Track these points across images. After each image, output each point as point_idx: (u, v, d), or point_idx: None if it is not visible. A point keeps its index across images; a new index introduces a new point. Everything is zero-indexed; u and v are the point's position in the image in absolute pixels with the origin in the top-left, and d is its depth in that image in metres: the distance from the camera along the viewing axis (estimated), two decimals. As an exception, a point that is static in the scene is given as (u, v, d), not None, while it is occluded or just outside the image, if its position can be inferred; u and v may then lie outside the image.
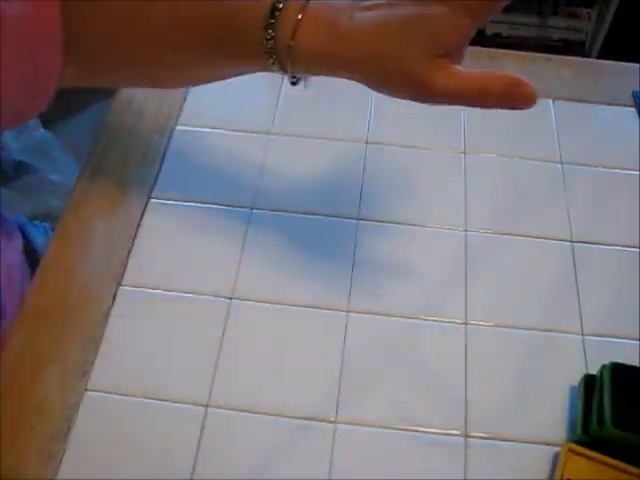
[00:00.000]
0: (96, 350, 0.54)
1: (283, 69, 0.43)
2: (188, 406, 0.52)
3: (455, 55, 0.42)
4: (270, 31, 0.40)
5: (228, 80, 0.55)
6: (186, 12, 0.42)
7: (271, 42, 0.41)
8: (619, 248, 0.63)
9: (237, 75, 0.46)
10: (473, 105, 0.41)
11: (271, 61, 0.42)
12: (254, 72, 0.45)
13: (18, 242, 0.66)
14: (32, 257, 0.67)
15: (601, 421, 0.47)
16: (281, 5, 0.40)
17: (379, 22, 0.40)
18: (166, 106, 0.72)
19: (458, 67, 0.41)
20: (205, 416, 0.51)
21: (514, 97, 0.40)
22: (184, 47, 0.44)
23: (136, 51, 0.44)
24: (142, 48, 0.44)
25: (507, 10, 1.83)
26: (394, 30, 0.40)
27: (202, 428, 0.51)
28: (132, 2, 0.42)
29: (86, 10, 0.42)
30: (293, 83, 0.44)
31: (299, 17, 0.40)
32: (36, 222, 0.76)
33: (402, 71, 0.40)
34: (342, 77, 0.43)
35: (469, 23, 0.41)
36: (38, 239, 0.71)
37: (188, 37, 0.43)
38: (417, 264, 0.61)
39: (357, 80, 0.43)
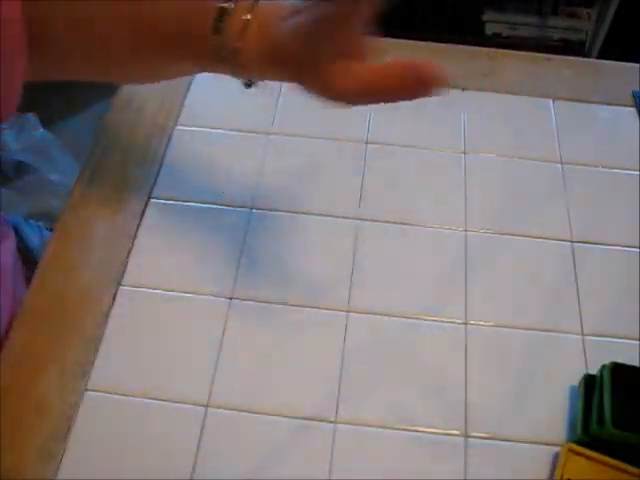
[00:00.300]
0: (96, 350, 0.54)
1: (233, 72, 0.43)
2: (188, 406, 0.52)
3: (358, 53, 0.42)
4: (218, 34, 0.40)
5: (228, 80, 0.55)
6: (139, 16, 0.42)
7: (220, 44, 0.41)
8: (619, 248, 0.63)
9: (194, 73, 0.45)
10: (379, 101, 0.41)
11: (221, 64, 0.42)
12: (211, 72, 0.45)
13: (11, 242, 0.66)
14: (26, 256, 0.67)
15: (601, 421, 0.47)
16: (233, 6, 0.40)
17: (296, 27, 0.40)
18: (166, 106, 0.72)
19: (360, 65, 0.42)
20: (205, 416, 0.51)
21: (411, 84, 0.40)
22: (140, 48, 0.44)
23: (97, 51, 0.44)
24: (103, 49, 0.44)
25: (507, 10, 1.84)
26: (303, 35, 0.40)
27: (202, 428, 0.51)
28: (93, 2, 0.42)
29: (49, 9, 0.42)
30: (247, 85, 0.43)
31: (248, 17, 0.40)
32: (30, 221, 0.76)
33: (310, 74, 0.41)
34: (281, 80, 0.44)
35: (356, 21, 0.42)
36: (32, 238, 0.71)
37: (145, 40, 0.43)
38: (417, 264, 0.61)
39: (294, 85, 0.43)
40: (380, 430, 0.51)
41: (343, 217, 0.64)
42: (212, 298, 0.58)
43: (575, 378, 0.53)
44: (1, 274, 0.61)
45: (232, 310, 0.57)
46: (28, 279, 0.60)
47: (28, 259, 0.67)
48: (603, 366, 0.51)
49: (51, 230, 0.64)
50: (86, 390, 0.52)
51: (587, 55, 1.80)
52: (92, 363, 0.54)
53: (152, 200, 0.64)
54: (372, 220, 0.64)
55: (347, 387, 0.53)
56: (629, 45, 1.65)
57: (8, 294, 0.61)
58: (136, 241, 0.61)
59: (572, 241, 0.63)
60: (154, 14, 0.42)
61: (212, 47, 0.41)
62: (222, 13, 0.40)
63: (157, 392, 0.52)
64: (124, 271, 0.59)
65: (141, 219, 0.63)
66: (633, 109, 0.75)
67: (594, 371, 0.52)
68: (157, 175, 0.66)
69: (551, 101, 0.75)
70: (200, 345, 0.55)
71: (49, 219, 0.78)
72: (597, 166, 0.69)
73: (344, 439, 0.51)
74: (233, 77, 0.44)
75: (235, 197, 0.65)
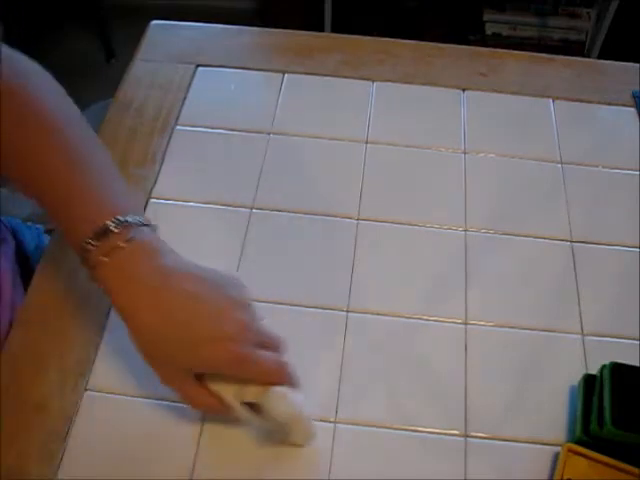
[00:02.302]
0: (96, 350, 0.54)
1: (87, 271, 0.46)
2: (188, 406, 0.52)
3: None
4: (94, 242, 0.44)
5: (228, 81, 0.56)
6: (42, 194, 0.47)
7: (88, 251, 0.44)
8: (619, 248, 0.63)
9: None
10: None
11: (81, 260, 0.46)
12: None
13: (9, 247, 0.66)
14: (22, 261, 0.67)
15: (601, 421, 0.47)
16: (117, 229, 0.44)
17: (172, 317, 0.44)
18: (166, 106, 0.72)
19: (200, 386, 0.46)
20: (205, 416, 0.51)
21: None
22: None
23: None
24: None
25: (507, 10, 1.84)
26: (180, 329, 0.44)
27: (202, 428, 0.51)
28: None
29: None
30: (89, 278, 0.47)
31: (121, 245, 0.44)
32: (29, 224, 0.75)
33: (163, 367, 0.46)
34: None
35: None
36: (30, 242, 0.71)
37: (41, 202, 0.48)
38: (417, 264, 0.61)
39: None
40: (380, 430, 0.51)
41: (343, 217, 0.64)
42: (212, 298, 0.58)
43: (575, 378, 0.53)
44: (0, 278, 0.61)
45: (232, 310, 0.57)
46: (25, 283, 0.60)
47: (25, 264, 0.66)
48: (603, 366, 0.51)
49: (50, 232, 0.63)
50: (86, 390, 0.52)
51: (587, 55, 1.80)
52: (92, 363, 0.54)
53: (152, 200, 0.64)
54: (372, 220, 0.64)
55: (347, 387, 0.53)
56: (629, 45, 1.65)
57: (7, 299, 0.60)
58: (136, 241, 0.61)
59: (572, 241, 0.63)
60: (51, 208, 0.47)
61: (79, 247, 0.45)
62: (106, 229, 0.44)
63: (157, 392, 0.52)
64: (124, 271, 0.59)
65: (141, 219, 0.63)
66: (633, 109, 0.75)
67: (594, 371, 0.52)
68: (157, 175, 0.66)
69: (551, 101, 0.75)
70: (200, 345, 0.55)
71: (49, 220, 0.78)
72: (597, 166, 0.69)
73: (344, 439, 0.51)
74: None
75: (235, 197, 0.65)
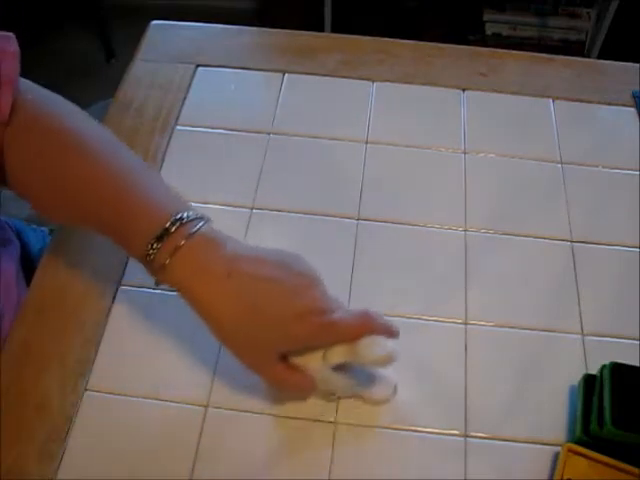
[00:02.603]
0: (96, 350, 0.54)
1: (154, 276, 0.47)
2: (188, 406, 0.52)
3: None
4: (155, 245, 0.45)
5: (228, 80, 0.56)
6: (92, 207, 0.48)
7: (152, 255, 0.45)
8: (619, 248, 0.63)
9: None
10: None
11: (147, 267, 0.47)
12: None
13: (15, 250, 0.66)
14: (26, 263, 0.67)
15: (601, 421, 0.47)
16: (173, 228, 0.45)
17: (250, 302, 0.44)
18: (166, 106, 0.72)
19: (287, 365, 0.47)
20: (205, 416, 0.51)
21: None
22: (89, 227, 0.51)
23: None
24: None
25: (507, 10, 1.84)
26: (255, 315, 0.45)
27: (202, 428, 0.51)
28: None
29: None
30: (156, 283, 0.48)
31: (182, 243, 0.45)
32: (34, 226, 0.76)
33: (245, 353, 0.47)
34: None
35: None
36: (35, 244, 0.71)
37: (92, 224, 0.50)
38: (417, 264, 0.61)
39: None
40: (380, 430, 0.51)
41: (343, 217, 0.64)
42: (212, 298, 0.58)
43: (575, 378, 0.53)
44: (6, 281, 0.61)
45: (232, 310, 0.57)
46: (29, 285, 0.60)
47: (30, 265, 0.66)
48: (603, 366, 0.51)
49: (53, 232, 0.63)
50: (86, 390, 0.52)
51: (587, 55, 1.80)
52: (92, 363, 0.54)
53: (152, 200, 0.64)
54: (372, 220, 0.64)
55: (347, 387, 0.53)
56: (629, 45, 1.65)
57: (12, 300, 0.61)
58: (136, 241, 0.61)
59: (572, 241, 0.63)
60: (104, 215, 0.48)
61: (139, 254, 0.46)
62: (164, 231, 0.45)
63: (157, 392, 0.52)
64: (124, 271, 0.59)
65: (141, 219, 0.63)
66: (633, 109, 0.75)
67: (594, 371, 0.52)
68: (157, 175, 0.66)
69: (551, 101, 0.75)
70: (200, 345, 0.55)
71: (49, 219, 0.77)
72: (597, 166, 0.69)
73: (344, 439, 0.51)
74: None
75: (235, 197, 0.65)
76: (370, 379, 0.52)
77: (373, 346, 0.46)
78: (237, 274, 0.45)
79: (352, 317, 0.46)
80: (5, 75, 0.48)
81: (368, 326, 0.47)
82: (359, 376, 0.51)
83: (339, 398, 0.52)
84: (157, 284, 0.47)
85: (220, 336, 0.46)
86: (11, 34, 0.51)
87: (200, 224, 0.46)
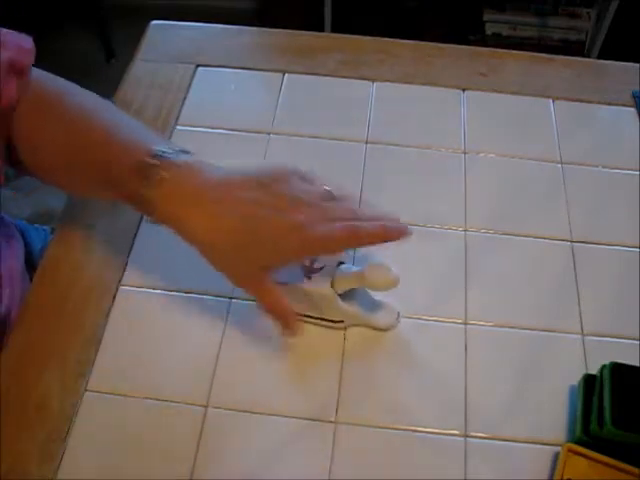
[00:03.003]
0: (96, 350, 0.54)
1: (147, 215, 0.49)
2: (188, 406, 0.52)
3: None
4: (142, 183, 0.47)
5: (228, 80, 0.56)
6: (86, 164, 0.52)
7: (140, 191, 0.47)
8: (619, 248, 0.63)
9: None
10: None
11: (140, 207, 0.49)
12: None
13: (19, 247, 0.66)
14: (29, 261, 0.67)
15: (601, 421, 0.47)
16: (156, 162, 0.47)
17: (238, 224, 0.47)
18: (166, 106, 0.72)
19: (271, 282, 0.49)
20: (205, 416, 0.51)
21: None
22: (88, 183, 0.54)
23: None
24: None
25: (507, 10, 1.84)
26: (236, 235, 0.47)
27: (202, 428, 0.51)
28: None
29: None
30: (151, 222, 0.50)
31: (165, 175, 0.47)
32: (37, 225, 0.76)
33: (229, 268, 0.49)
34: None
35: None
36: (37, 244, 0.71)
37: (92, 181, 0.53)
38: (417, 264, 0.61)
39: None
40: (380, 430, 0.51)
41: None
42: (212, 298, 0.58)
43: (575, 378, 0.53)
44: (11, 279, 0.61)
45: (232, 310, 0.57)
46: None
47: (32, 264, 0.67)
48: (603, 366, 0.51)
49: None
50: (86, 390, 0.52)
51: (587, 55, 1.80)
52: (92, 363, 0.54)
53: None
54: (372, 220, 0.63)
55: (347, 387, 0.53)
56: (629, 45, 1.65)
57: (17, 297, 0.61)
58: (136, 241, 0.61)
59: (572, 241, 0.63)
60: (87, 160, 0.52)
61: (128, 193, 0.48)
62: (146, 167, 0.47)
63: (157, 392, 0.52)
64: (124, 271, 0.59)
65: (141, 219, 0.63)
66: (633, 109, 0.75)
67: (594, 371, 0.52)
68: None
69: (551, 101, 0.75)
70: (200, 345, 0.55)
71: (49, 219, 0.78)
72: (597, 166, 0.69)
73: (344, 439, 0.51)
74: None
75: (235, 197, 0.65)
76: (375, 307, 0.56)
77: (378, 272, 0.51)
78: (223, 200, 0.47)
79: (337, 230, 0.48)
80: (18, 62, 0.52)
81: (353, 238, 0.48)
82: (365, 304, 0.55)
83: (345, 328, 0.55)
84: (151, 222, 0.49)
85: (213, 259, 0.48)
86: (29, 37, 0.55)
87: (181, 155, 0.48)
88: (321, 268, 0.53)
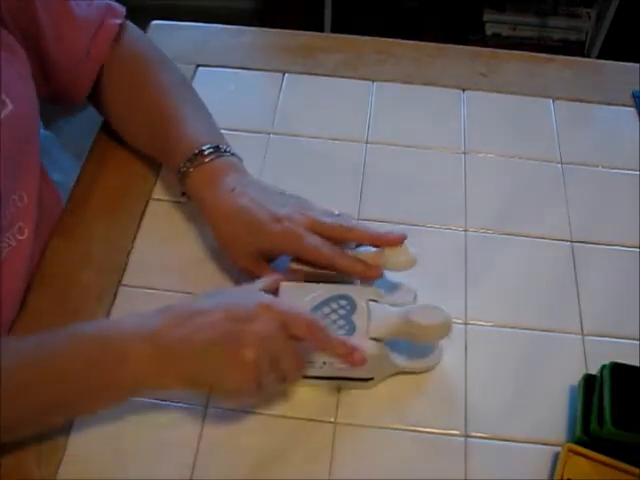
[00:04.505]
0: (96, 350, 0.54)
1: (180, 185, 0.60)
2: (188, 406, 0.52)
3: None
4: (188, 163, 0.58)
5: (228, 80, 0.56)
6: None
7: (183, 168, 0.58)
8: (619, 248, 0.63)
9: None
10: None
11: (177, 178, 0.59)
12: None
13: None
14: None
15: (601, 421, 0.47)
16: (207, 152, 0.58)
17: (241, 210, 0.55)
18: (166, 106, 0.72)
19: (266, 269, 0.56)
20: (205, 416, 0.51)
21: None
22: (146, 146, 0.67)
23: None
24: None
25: (507, 10, 1.84)
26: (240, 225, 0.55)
27: (202, 428, 0.51)
28: None
29: None
30: (182, 194, 0.61)
31: (206, 160, 0.57)
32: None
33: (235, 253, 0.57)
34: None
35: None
36: None
37: (151, 147, 0.66)
38: (417, 264, 0.60)
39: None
40: (380, 430, 0.51)
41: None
42: (212, 298, 0.58)
43: (575, 378, 0.53)
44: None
45: (232, 310, 0.57)
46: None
47: None
48: (603, 366, 0.51)
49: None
50: (86, 390, 0.52)
51: (587, 55, 1.80)
52: (92, 363, 0.54)
53: (152, 200, 0.64)
54: (372, 220, 0.63)
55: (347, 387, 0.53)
56: (629, 45, 1.65)
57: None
58: (136, 241, 0.61)
59: (572, 241, 0.63)
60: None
61: (177, 168, 0.59)
62: (198, 153, 0.58)
63: (157, 392, 0.52)
64: (124, 271, 0.59)
65: (141, 219, 0.63)
66: (633, 109, 0.75)
67: (594, 371, 0.52)
68: (157, 175, 0.66)
69: (551, 101, 0.75)
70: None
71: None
72: (597, 166, 0.69)
73: (344, 439, 0.51)
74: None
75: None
76: (393, 288, 0.57)
77: (398, 253, 0.54)
78: (240, 192, 0.55)
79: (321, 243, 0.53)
80: (108, 25, 0.63)
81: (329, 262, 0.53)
82: (384, 285, 0.56)
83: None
84: (182, 194, 0.60)
85: (217, 234, 0.56)
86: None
87: (230, 156, 0.59)
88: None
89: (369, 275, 0.53)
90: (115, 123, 0.67)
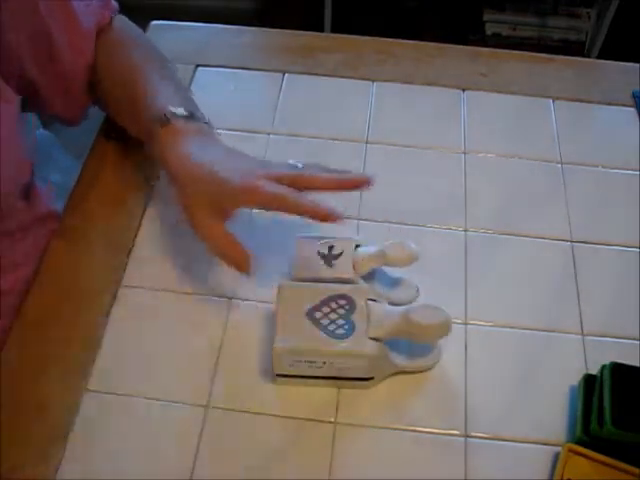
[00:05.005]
0: (96, 350, 0.54)
1: (147, 145, 0.61)
2: (188, 406, 0.52)
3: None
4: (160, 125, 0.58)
5: (228, 80, 0.56)
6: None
7: (153, 131, 0.58)
8: (619, 248, 0.63)
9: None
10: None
11: (147, 142, 0.61)
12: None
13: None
14: None
15: (601, 421, 0.47)
16: (180, 116, 0.58)
17: (207, 168, 0.55)
18: (166, 106, 0.72)
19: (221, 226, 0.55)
20: (205, 416, 0.51)
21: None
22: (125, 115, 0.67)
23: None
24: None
25: (507, 10, 1.84)
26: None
27: (202, 428, 0.51)
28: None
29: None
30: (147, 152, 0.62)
31: (175, 124, 0.57)
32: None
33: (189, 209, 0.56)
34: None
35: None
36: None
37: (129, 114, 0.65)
38: (417, 264, 0.60)
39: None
40: (380, 430, 0.51)
41: (344, 217, 0.63)
42: (212, 298, 0.58)
43: (575, 378, 0.53)
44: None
45: (232, 309, 0.57)
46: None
47: None
48: (603, 366, 0.51)
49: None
50: (86, 390, 0.52)
51: (587, 55, 1.80)
52: (92, 363, 0.54)
53: (152, 200, 0.64)
54: (372, 220, 0.64)
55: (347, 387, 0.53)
56: (629, 45, 1.65)
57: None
58: (136, 241, 0.61)
59: (572, 241, 0.63)
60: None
61: (148, 131, 0.59)
62: (170, 117, 0.58)
63: (157, 392, 0.52)
64: (124, 271, 0.59)
65: (141, 219, 0.63)
66: (633, 109, 0.75)
67: (594, 371, 0.52)
68: (157, 175, 0.66)
69: (551, 101, 0.75)
70: (200, 345, 0.55)
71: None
72: (597, 166, 0.69)
73: (344, 439, 0.51)
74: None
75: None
76: (395, 284, 0.58)
77: (398, 248, 0.55)
78: (204, 153, 0.56)
79: (277, 189, 0.53)
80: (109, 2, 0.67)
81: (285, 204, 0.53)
82: (386, 282, 0.57)
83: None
84: (148, 153, 0.61)
85: (180, 192, 0.55)
86: None
87: (201, 122, 0.59)
88: (340, 254, 0.56)
89: (331, 218, 0.52)
90: (102, 106, 0.69)
